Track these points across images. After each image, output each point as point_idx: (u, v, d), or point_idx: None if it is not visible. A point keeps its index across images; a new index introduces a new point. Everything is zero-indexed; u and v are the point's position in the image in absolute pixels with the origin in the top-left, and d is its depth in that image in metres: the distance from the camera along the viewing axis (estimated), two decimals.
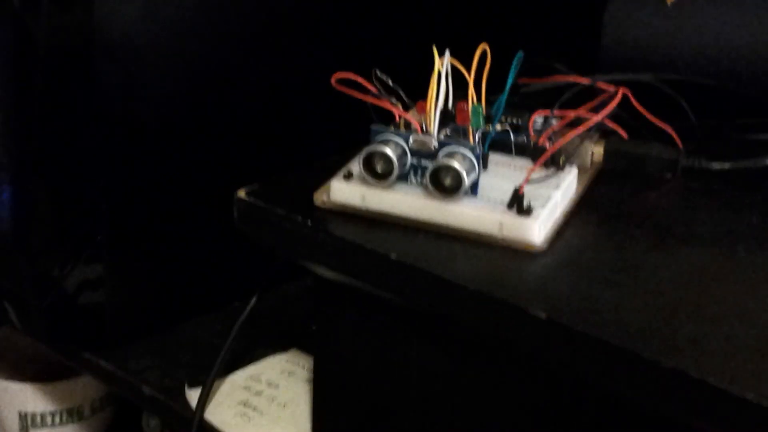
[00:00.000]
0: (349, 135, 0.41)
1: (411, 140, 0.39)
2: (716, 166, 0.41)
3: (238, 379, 0.53)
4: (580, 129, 0.40)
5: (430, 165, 0.39)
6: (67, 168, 0.50)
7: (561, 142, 0.40)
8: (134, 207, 0.51)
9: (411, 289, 0.38)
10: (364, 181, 0.40)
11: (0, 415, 0.67)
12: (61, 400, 0.67)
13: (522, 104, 0.42)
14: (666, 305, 0.35)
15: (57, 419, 0.67)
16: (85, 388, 0.67)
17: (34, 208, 0.53)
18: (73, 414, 0.67)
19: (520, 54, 0.39)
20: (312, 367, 0.48)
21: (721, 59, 0.46)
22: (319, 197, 0.41)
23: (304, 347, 0.54)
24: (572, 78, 0.43)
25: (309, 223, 0.40)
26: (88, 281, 0.53)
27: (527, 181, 0.38)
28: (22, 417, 0.67)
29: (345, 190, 0.40)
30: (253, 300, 0.49)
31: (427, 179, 0.39)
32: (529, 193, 0.39)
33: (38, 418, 0.67)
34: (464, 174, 0.38)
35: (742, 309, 0.35)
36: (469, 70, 0.39)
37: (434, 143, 0.39)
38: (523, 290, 0.36)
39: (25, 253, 0.54)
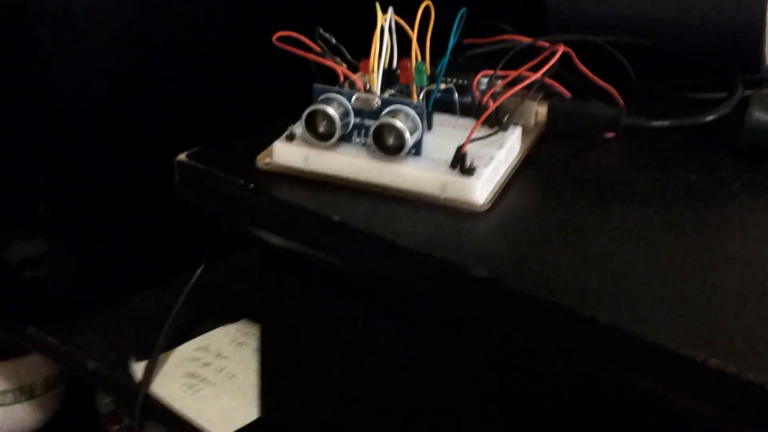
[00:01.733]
0: (296, 98, 0.41)
1: (353, 99, 0.39)
2: (656, 124, 0.41)
3: (186, 350, 0.52)
4: (520, 86, 0.39)
5: (372, 124, 0.38)
6: (5, 139, 0.49)
7: (500, 99, 0.40)
8: (75, 178, 0.50)
9: (354, 251, 0.37)
10: (307, 142, 0.39)
11: None
12: (11, 379, 0.66)
13: (468, 65, 0.42)
14: (605, 264, 0.35)
15: (8, 398, 0.66)
16: (35, 366, 0.66)
17: None
18: (24, 392, 0.66)
19: (462, 10, 0.39)
20: None
21: (664, 20, 0.46)
22: (262, 160, 0.40)
23: (255, 317, 0.53)
24: (515, 38, 0.43)
25: (250, 186, 0.39)
26: (30, 255, 0.51)
27: (469, 140, 0.38)
28: None
29: (287, 152, 0.39)
30: (199, 270, 0.49)
31: (369, 139, 0.38)
32: (473, 153, 0.38)
33: None
34: (407, 133, 0.38)
35: (681, 267, 0.35)
36: (413, 29, 0.39)
37: (377, 102, 0.38)
38: (464, 250, 0.35)
39: None
